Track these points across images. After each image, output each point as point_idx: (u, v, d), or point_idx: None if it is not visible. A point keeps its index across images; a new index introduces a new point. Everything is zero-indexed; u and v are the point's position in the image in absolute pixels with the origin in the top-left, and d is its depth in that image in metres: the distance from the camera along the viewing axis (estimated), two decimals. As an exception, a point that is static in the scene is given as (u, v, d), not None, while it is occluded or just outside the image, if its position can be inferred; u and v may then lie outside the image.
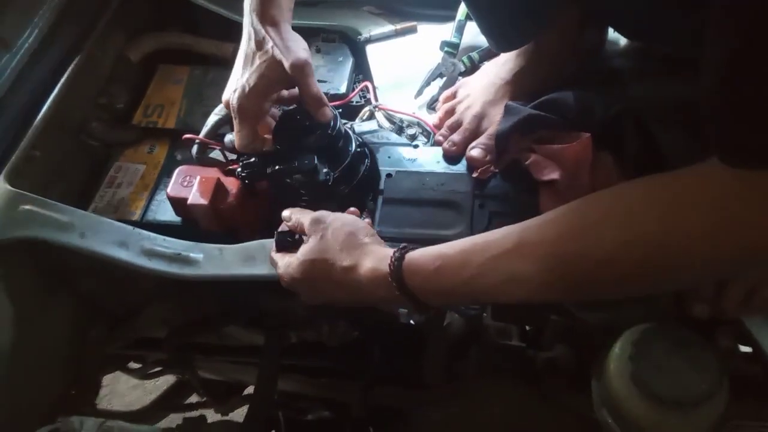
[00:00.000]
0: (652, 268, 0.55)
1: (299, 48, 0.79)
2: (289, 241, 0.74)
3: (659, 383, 0.62)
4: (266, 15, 0.79)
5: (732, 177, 0.48)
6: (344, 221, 0.72)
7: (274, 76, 0.78)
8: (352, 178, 0.83)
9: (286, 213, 0.77)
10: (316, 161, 0.80)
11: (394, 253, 0.65)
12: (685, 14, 0.62)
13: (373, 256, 0.67)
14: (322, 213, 0.73)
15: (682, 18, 0.67)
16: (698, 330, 0.68)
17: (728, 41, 0.46)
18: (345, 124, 0.91)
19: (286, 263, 0.72)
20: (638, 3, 0.73)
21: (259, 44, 0.78)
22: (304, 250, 0.70)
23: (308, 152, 0.80)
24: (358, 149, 0.84)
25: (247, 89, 0.78)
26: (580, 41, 0.90)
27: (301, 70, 0.78)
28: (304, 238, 0.72)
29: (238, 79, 0.80)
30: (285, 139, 0.82)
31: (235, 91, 0.79)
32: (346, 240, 0.69)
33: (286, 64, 0.77)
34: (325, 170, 0.80)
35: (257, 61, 0.78)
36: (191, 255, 0.79)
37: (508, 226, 0.62)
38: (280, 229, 0.76)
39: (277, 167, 0.81)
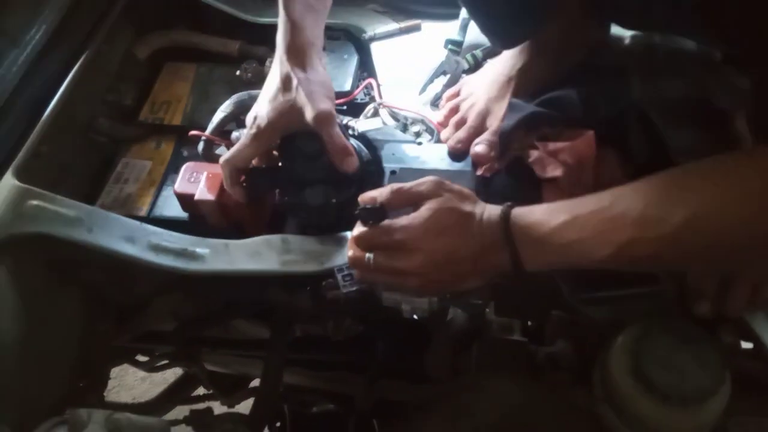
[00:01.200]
0: (726, 243, 0.59)
1: (323, 97, 0.79)
2: (377, 212, 0.71)
3: (661, 379, 0.63)
4: (295, 52, 0.80)
5: None
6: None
7: (294, 120, 0.78)
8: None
9: (372, 194, 0.74)
10: (324, 195, 0.79)
11: (505, 204, 0.69)
12: None
13: (489, 208, 0.70)
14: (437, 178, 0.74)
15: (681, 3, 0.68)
16: (701, 326, 0.68)
17: None
18: (349, 121, 0.91)
19: (404, 224, 0.70)
20: None
21: (285, 84, 0.79)
22: (436, 202, 0.70)
23: (316, 174, 0.80)
24: (367, 166, 0.83)
25: (265, 122, 0.79)
26: (583, 37, 0.90)
27: (323, 121, 0.78)
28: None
29: (261, 104, 0.81)
30: (291, 157, 0.81)
31: (255, 118, 0.80)
32: (466, 194, 0.72)
33: (309, 116, 0.77)
34: (333, 201, 0.80)
35: (281, 99, 0.79)
36: (197, 250, 0.79)
37: (618, 189, 0.64)
38: (360, 208, 0.72)
39: (286, 198, 0.81)
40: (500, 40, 0.90)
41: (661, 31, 0.88)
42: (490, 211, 0.69)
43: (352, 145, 0.81)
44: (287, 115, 0.78)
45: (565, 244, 0.64)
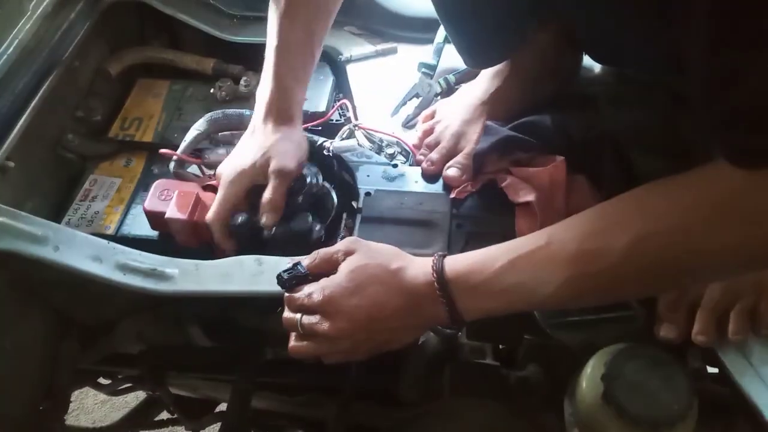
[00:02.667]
0: (671, 263, 0.58)
1: (292, 157, 0.82)
2: (301, 274, 0.70)
3: (632, 403, 0.63)
4: (281, 113, 0.84)
5: (741, 176, 0.51)
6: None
7: (264, 170, 0.81)
8: (338, 223, 0.85)
9: (298, 258, 0.73)
10: (310, 220, 0.81)
11: (435, 255, 0.67)
12: (655, 35, 0.65)
13: (418, 261, 0.68)
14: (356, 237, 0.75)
15: (651, 41, 0.69)
16: (669, 350, 0.69)
17: (709, 51, 0.49)
18: (324, 142, 0.91)
19: (321, 286, 0.68)
20: (607, 24, 0.74)
21: (265, 139, 0.83)
22: (349, 262, 0.68)
23: (297, 209, 0.82)
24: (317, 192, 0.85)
25: (239, 169, 0.81)
26: (557, 64, 0.92)
27: (278, 175, 0.80)
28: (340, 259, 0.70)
29: (237, 156, 0.83)
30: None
31: (229, 166, 0.83)
32: (391, 250, 0.70)
33: (271, 167, 0.80)
34: (317, 227, 0.82)
35: (255, 149, 0.82)
36: (167, 270, 0.78)
37: (555, 226, 0.64)
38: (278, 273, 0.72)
39: (275, 229, 0.81)
40: (473, 60, 0.92)
41: (632, 69, 0.91)
42: (420, 263, 0.68)
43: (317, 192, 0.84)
44: (259, 165, 0.81)
45: (505, 289, 0.63)
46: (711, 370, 0.76)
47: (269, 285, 0.77)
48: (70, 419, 1.64)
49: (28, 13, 0.91)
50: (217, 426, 1.14)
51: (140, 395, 1.30)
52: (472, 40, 0.89)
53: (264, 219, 0.80)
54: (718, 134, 0.52)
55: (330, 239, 0.82)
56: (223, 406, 1.19)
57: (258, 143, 0.82)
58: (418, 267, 0.67)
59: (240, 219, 0.81)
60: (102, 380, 1.13)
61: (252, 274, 0.78)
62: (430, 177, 0.88)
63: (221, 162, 0.85)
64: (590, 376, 0.67)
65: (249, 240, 0.82)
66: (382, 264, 0.68)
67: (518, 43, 0.87)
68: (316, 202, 0.85)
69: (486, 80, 0.92)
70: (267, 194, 0.80)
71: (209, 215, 0.82)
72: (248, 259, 0.80)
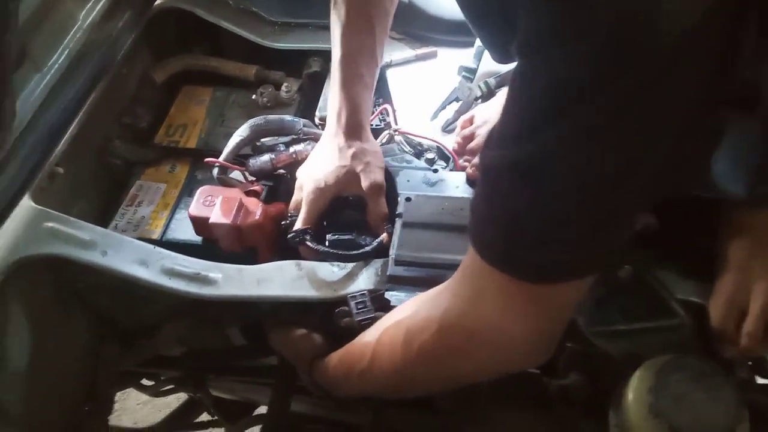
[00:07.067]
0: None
1: (377, 168, 0.85)
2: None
3: (679, 416, 0.61)
4: (353, 127, 0.86)
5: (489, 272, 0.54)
6: None
7: (350, 186, 0.84)
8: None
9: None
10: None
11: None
12: None
13: None
14: None
15: None
16: (717, 361, 0.67)
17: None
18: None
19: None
20: None
21: (343, 154, 0.85)
22: None
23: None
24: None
25: (322, 185, 0.84)
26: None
27: (374, 191, 0.84)
28: None
29: (318, 167, 0.85)
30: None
31: (310, 177, 0.85)
32: None
33: (364, 184, 0.83)
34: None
35: (338, 164, 0.84)
36: (210, 275, 0.79)
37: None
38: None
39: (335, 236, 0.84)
40: (495, 53, 0.91)
41: None
42: None
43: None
44: (344, 180, 0.84)
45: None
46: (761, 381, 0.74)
47: (308, 289, 0.78)
48: (113, 419, 1.66)
49: (79, 23, 0.93)
50: (255, 429, 1.15)
51: (181, 397, 1.31)
52: (496, 34, 0.88)
53: (377, 231, 0.84)
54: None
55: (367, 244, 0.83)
56: (262, 409, 1.20)
57: (337, 157, 0.84)
58: None
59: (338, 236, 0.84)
60: (145, 382, 1.15)
61: (292, 278, 0.79)
62: (474, 182, 0.87)
63: (263, 169, 0.86)
64: (637, 388, 0.65)
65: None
66: None
67: None
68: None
69: None
70: (374, 212, 0.84)
71: (297, 228, 0.84)
72: (288, 264, 0.80)
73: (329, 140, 0.87)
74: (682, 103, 0.45)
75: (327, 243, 0.83)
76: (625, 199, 0.49)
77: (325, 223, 0.86)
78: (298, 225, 0.83)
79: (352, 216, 0.86)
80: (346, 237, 0.83)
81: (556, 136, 0.45)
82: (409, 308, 0.67)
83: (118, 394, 1.73)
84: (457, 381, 0.70)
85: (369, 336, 0.72)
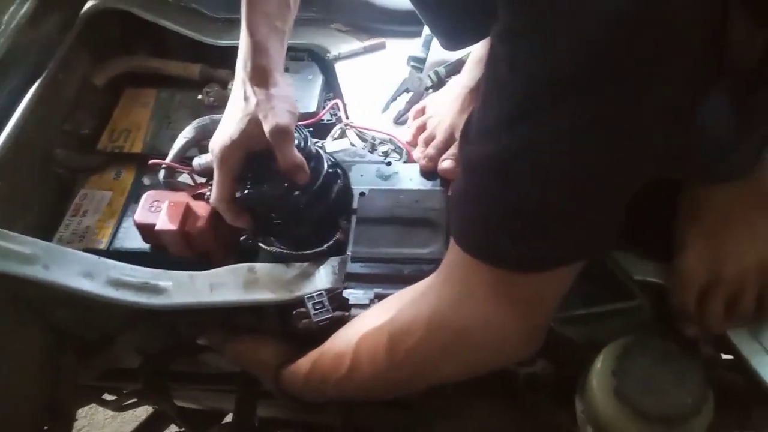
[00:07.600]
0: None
1: (284, 112, 0.76)
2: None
3: (644, 399, 0.61)
4: (259, 72, 0.77)
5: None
6: None
7: (255, 134, 0.76)
8: (325, 199, 0.81)
9: None
10: (285, 185, 0.77)
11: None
12: None
13: None
14: None
15: None
16: (680, 340, 0.67)
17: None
18: (316, 143, 0.89)
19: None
20: None
21: (248, 102, 0.77)
22: None
23: (279, 176, 0.77)
24: (330, 169, 0.82)
25: (229, 141, 0.76)
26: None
27: (278, 136, 0.75)
28: None
29: (224, 126, 0.78)
30: (255, 164, 0.79)
31: (217, 139, 0.78)
32: None
33: (266, 129, 0.75)
34: (296, 193, 0.78)
35: (240, 115, 0.76)
36: (160, 283, 0.76)
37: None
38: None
39: (246, 191, 0.78)
40: (446, 41, 0.89)
41: None
42: None
43: (307, 155, 0.79)
44: (248, 130, 0.75)
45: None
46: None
47: (264, 292, 0.76)
48: (80, 435, 1.63)
49: (2, 27, 0.89)
50: (225, 437, 1.13)
51: (150, 408, 1.28)
52: (445, 20, 0.86)
53: (296, 180, 0.77)
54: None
55: (322, 242, 0.80)
56: (229, 417, 1.17)
57: (241, 109, 0.77)
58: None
59: (245, 191, 0.77)
60: (107, 396, 1.12)
61: (246, 282, 0.77)
62: (429, 174, 0.86)
63: (209, 168, 0.83)
64: (600, 372, 0.64)
65: (263, 212, 0.79)
66: None
67: (492, 23, 0.84)
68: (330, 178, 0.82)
69: (471, 67, 0.89)
70: (282, 161, 0.76)
71: (212, 199, 0.79)
72: (242, 267, 0.78)
73: (235, 92, 0.79)
74: (668, 95, 0.45)
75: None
76: (611, 185, 0.49)
77: (248, 185, 0.78)
78: (213, 193, 0.78)
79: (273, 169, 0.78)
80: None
81: (540, 128, 0.45)
82: (386, 312, 0.65)
83: (86, 409, 1.70)
84: (445, 381, 0.69)
85: (343, 343, 0.69)
